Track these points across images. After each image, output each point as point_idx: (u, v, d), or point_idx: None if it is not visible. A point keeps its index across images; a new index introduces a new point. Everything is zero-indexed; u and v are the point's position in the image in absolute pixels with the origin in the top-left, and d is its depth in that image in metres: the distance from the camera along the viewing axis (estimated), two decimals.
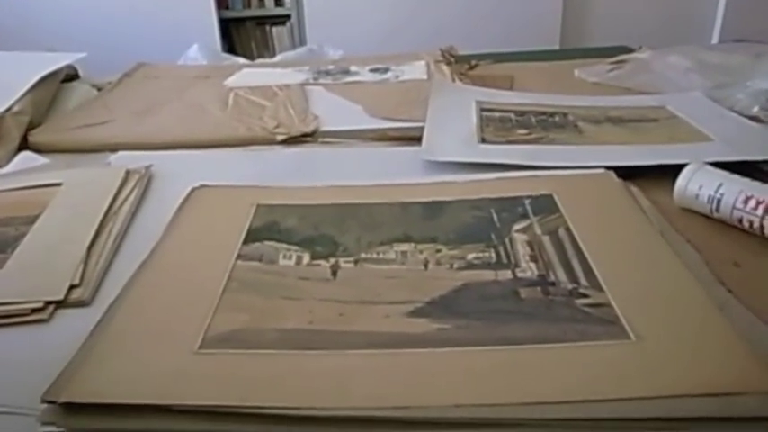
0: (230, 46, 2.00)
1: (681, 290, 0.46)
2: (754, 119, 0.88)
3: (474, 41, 1.37)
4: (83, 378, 0.39)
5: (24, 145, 0.90)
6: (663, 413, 0.35)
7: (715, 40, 2.05)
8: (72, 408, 0.37)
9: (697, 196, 0.65)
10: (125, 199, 0.71)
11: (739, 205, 0.61)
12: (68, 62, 1.17)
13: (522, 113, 0.93)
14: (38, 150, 0.89)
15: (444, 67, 1.20)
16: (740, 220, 0.62)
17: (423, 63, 1.24)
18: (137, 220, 0.68)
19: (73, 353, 0.42)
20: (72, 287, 0.54)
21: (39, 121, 0.98)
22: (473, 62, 1.28)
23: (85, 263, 0.58)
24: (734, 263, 0.58)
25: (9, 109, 0.92)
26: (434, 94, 0.98)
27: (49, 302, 0.52)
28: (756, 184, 0.63)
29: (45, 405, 0.38)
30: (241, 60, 1.42)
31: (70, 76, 1.21)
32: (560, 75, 1.20)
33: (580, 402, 0.36)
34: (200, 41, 1.51)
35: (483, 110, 0.94)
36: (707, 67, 1.12)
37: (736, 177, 0.64)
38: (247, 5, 2.12)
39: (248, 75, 1.24)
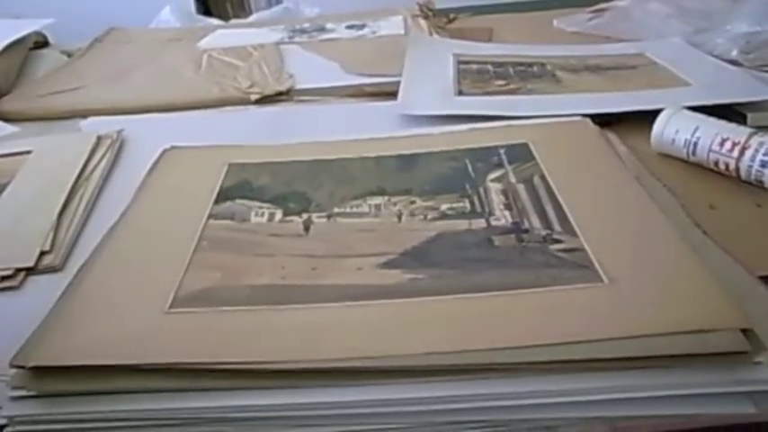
0: (205, 8, 1.95)
1: (654, 233, 0.46)
2: (733, 62, 0.88)
3: None
4: (51, 342, 0.38)
5: None
6: (636, 352, 0.35)
7: None
8: (41, 371, 0.37)
9: (674, 141, 0.65)
10: (96, 164, 0.69)
11: (715, 147, 0.61)
12: (35, 28, 1.14)
13: (499, 65, 0.92)
14: (6, 119, 0.87)
15: (422, 21, 1.18)
16: (716, 163, 0.61)
17: (400, 18, 1.21)
18: (108, 185, 0.67)
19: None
20: (43, 253, 0.53)
21: (7, 89, 0.96)
22: (451, 15, 1.26)
23: (56, 229, 0.57)
24: (709, 205, 0.58)
25: None
26: (411, 48, 0.96)
27: (19, 269, 0.51)
28: (733, 125, 0.62)
29: (14, 370, 0.37)
30: (215, 22, 1.38)
31: (40, 43, 1.18)
32: (539, 25, 1.18)
33: (553, 345, 0.36)
34: (173, 4, 1.47)
35: (460, 62, 0.92)
36: (687, 12, 1.10)
37: (713, 120, 0.63)
38: None
39: (222, 36, 1.21)
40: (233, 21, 1.43)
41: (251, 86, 0.90)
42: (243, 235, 0.49)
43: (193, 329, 0.39)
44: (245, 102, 0.87)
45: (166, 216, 0.52)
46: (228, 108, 0.86)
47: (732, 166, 0.60)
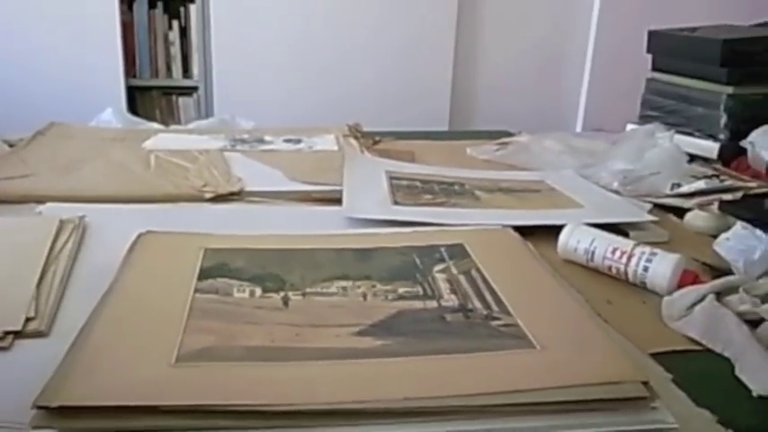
0: (135, 112, 2.03)
1: (571, 313, 0.57)
2: (614, 192, 1.06)
3: (373, 121, 1.51)
4: (72, 386, 0.43)
5: None
6: (563, 398, 0.45)
7: (578, 127, 2.36)
8: (64, 411, 0.41)
9: (576, 249, 0.79)
10: (63, 244, 0.74)
11: (608, 255, 0.76)
12: None
13: (426, 182, 1.06)
14: None
15: (353, 141, 1.32)
16: (609, 268, 0.76)
17: (332, 136, 1.35)
18: (77, 264, 0.72)
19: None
20: (28, 319, 0.57)
21: None
22: (377, 138, 1.41)
23: (37, 299, 0.61)
24: (607, 301, 0.72)
25: None
26: (348, 163, 1.08)
27: (7, 332, 0.55)
28: (620, 238, 0.77)
29: (35, 411, 0.42)
30: (155, 125, 1.46)
31: None
32: (455, 152, 1.35)
33: (499, 393, 0.45)
34: (107, 106, 1.54)
35: (392, 178, 1.05)
36: (575, 150, 1.31)
37: (605, 234, 0.78)
38: (155, 75, 2.17)
39: (165, 139, 1.29)
40: (173, 126, 1.52)
41: (204, 185, 0.98)
42: (229, 307, 0.56)
43: (200, 378, 0.45)
44: (198, 199, 0.95)
45: (154, 289, 0.58)
46: (183, 204, 0.93)
47: (622, 271, 0.75)
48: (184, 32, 2.14)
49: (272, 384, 0.45)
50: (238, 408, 0.42)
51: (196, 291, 0.58)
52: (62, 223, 0.79)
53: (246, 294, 0.58)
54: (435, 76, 2.29)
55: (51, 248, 0.72)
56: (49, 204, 0.88)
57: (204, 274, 0.61)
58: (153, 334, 0.50)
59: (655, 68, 1.39)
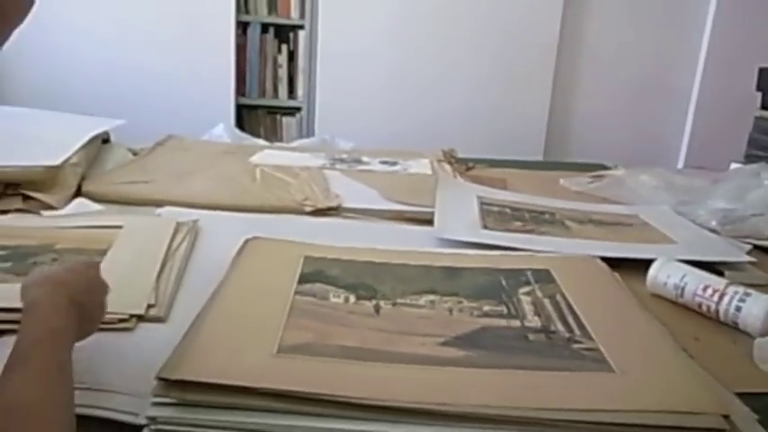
0: (241, 129, 2.16)
1: (655, 340, 0.58)
2: (712, 230, 1.04)
3: (468, 146, 1.54)
4: (189, 364, 0.49)
5: (78, 193, 1.01)
6: (641, 421, 0.46)
7: (680, 165, 2.29)
8: (181, 384, 0.47)
9: (665, 284, 0.78)
10: (179, 244, 0.82)
11: (699, 292, 0.75)
12: (112, 126, 1.30)
13: (516, 209, 1.08)
14: (89, 198, 1.00)
15: (447, 166, 1.35)
16: (699, 305, 0.75)
17: (427, 160, 1.39)
18: (191, 262, 0.79)
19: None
20: (149, 306, 0.64)
21: (87, 174, 1.10)
22: (470, 164, 1.44)
23: (156, 289, 0.68)
24: (695, 338, 0.71)
25: (67, 160, 1.03)
26: (441, 186, 1.12)
27: (132, 315, 0.62)
28: (713, 276, 0.76)
29: (156, 382, 0.48)
30: (261, 142, 1.56)
31: (103, 139, 1.34)
32: (547, 182, 1.36)
33: (577, 411, 0.47)
34: (219, 122, 1.66)
35: (483, 203, 1.08)
36: (672, 186, 1.29)
37: (697, 270, 0.78)
38: (262, 95, 2.31)
39: (270, 155, 1.38)
40: (278, 144, 1.61)
41: (305, 199, 1.04)
42: (325, 309, 0.61)
43: (298, 369, 0.50)
44: (299, 211, 1.01)
45: (260, 288, 0.64)
46: (286, 215, 1.00)
47: (713, 309, 0.74)
48: (292, 56, 2.27)
49: (360, 381, 0.49)
50: (328, 397, 0.46)
51: (296, 293, 0.63)
52: (178, 225, 0.87)
53: (341, 300, 0.63)
54: (533, 105, 2.30)
55: (169, 246, 0.80)
56: (166, 208, 0.97)
57: (304, 279, 0.66)
58: (258, 327, 0.56)
59: (764, 107, 1.35)
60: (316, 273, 0.68)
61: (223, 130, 1.56)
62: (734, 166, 1.33)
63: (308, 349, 0.53)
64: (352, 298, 0.64)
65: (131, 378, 0.52)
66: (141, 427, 0.47)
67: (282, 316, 0.58)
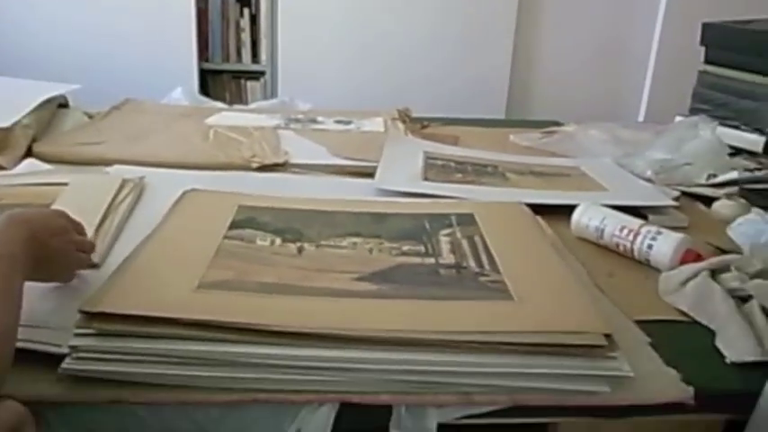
0: (206, 94, 2.16)
1: (555, 274, 0.62)
2: (647, 179, 1.08)
3: (431, 106, 1.56)
4: (109, 299, 0.52)
5: (29, 153, 1.03)
6: (528, 340, 0.51)
7: (641, 119, 2.34)
8: (101, 316, 0.50)
9: (587, 226, 0.83)
10: (123, 198, 0.84)
11: (617, 233, 0.79)
12: (66, 90, 1.31)
13: (461, 163, 1.11)
14: (41, 159, 1.02)
15: (400, 124, 1.38)
16: (617, 245, 0.79)
17: (381, 119, 1.41)
18: (133, 215, 0.82)
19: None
20: None
21: (40, 137, 1.12)
22: (425, 123, 1.47)
23: (94, 239, 0.71)
24: (609, 274, 0.75)
25: (18, 122, 1.05)
26: (389, 143, 1.15)
27: None
28: (630, 217, 0.81)
29: (80, 315, 0.51)
30: (219, 104, 1.57)
31: (61, 103, 1.35)
32: (498, 138, 1.39)
33: (476, 332, 0.51)
34: (184, 86, 1.66)
35: (429, 158, 1.11)
36: (619, 140, 1.33)
37: (616, 213, 0.82)
38: (226, 59, 2.31)
39: (226, 116, 1.39)
40: (236, 106, 1.63)
41: (253, 156, 1.07)
42: (251, 251, 0.64)
43: (214, 301, 0.54)
44: (246, 168, 1.04)
45: (190, 234, 0.67)
46: (233, 172, 1.02)
47: (628, 248, 0.78)
48: (254, 20, 2.26)
49: (273, 311, 0.53)
50: (243, 326, 0.50)
51: (225, 237, 0.67)
52: (124, 182, 0.89)
53: (267, 243, 0.66)
54: (494, 64, 2.32)
55: (112, 201, 0.82)
56: (115, 167, 0.99)
57: (235, 225, 0.70)
58: (182, 267, 0.59)
59: (707, 61, 1.38)
60: (247, 220, 0.72)
61: (181, 93, 1.56)
62: (678, 119, 1.37)
63: (227, 285, 0.57)
64: (278, 241, 0.67)
65: (63, 317, 0.55)
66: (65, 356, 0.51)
67: (208, 257, 0.61)
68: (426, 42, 2.27)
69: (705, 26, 1.37)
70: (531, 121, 1.71)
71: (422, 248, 0.67)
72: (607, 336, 0.52)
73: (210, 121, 1.32)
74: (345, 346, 0.50)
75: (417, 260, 0.65)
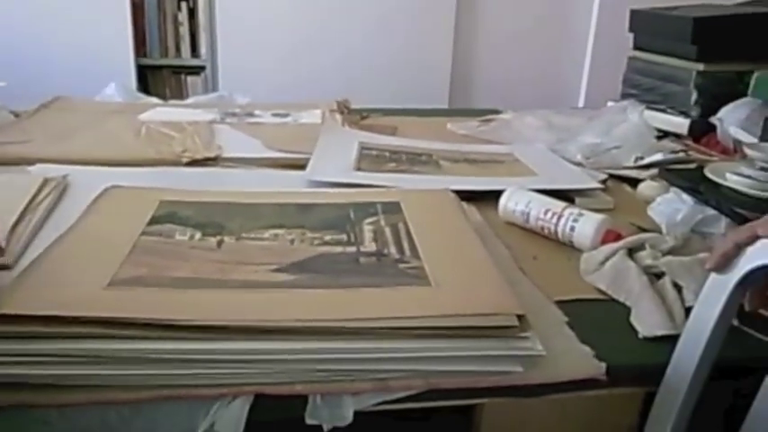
0: (146, 90, 2.12)
1: (475, 260, 0.63)
2: (577, 164, 1.10)
3: (373, 98, 1.56)
4: (14, 299, 0.50)
5: None
6: (440, 324, 0.51)
7: (581, 105, 2.39)
8: (4, 318, 0.49)
9: (514, 211, 0.84)
10: (43, 198, 0.82)
11: (541, 216, 0.81)
12: None
13: (395, 152, 1.11)
14: None
15: (337, 115, 1.38)
16: (542, 228, 0.81)
17: (319, 111, 1.41)
18: (54, 214, 0.80)
19: None
20: None
21: None
22: (364, 114, 1.47)
23: (9, 240, 0.69)
24: (533, 257, 0.77)
25: None
26: (323, 134, 1.15)
27: None
28: (554, 200, 0.82)
29: None
30: (154, 100, 1.54)
31: None
32: (436, 127, 1.40)
33: (390, 318, 0.51)
34: (118, 81, 1.62)
35: (364, 148, 1.11)
36: (553, 126, 1.35)
37: (541, 196, 0.83)
38: (164, 54, 2.26)
39: (161, 112, 1.36)
40: (171, 101, 1.59)
41: (183, 151, 1.05)
42: (168, 246, 0.63)
43: (125, 299, 0.52)
44: (177, 163, 1.02)
45: (107, 231, 0.66)
46: (162, 167, 1.01)
47: (552, 230, 0.80)
48: (193, 13, 2.23)
49: (189, 305, 0.52)
50: (151, 321, 0.49)
51: (143, 234, 0.65)
52: (45, 181, 0.87)
53: (186, 237, 0.65)
54: (436, 54, 2.33)
55: (31, 201, 0.80)
56: (38, 165, 0.96)
57: (154, 221, 0.68)
58: (94, 265, 0.58)
59: (636, 47, 1.42)
60: (168, 215, 0.70)
61: (115, 89, 1.52)
62: (609, 104, 1.40)
63: (139, 282, 0.55)
64: (198, 235, 0.66)
65: None
66: None
67: (123, 254, 0.60)
68: (368, 34, 2.27)
69: (633, 13, 1.41)
70: (471, 110, 1.73)
71: (344, 237, 0.67)
72: (520, 317, 0.53)
73: (144, 117, 1.30)
74: (257, 337, 0.50)
75: (339, 249, 0.64)
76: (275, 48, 2.24)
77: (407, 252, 0.64)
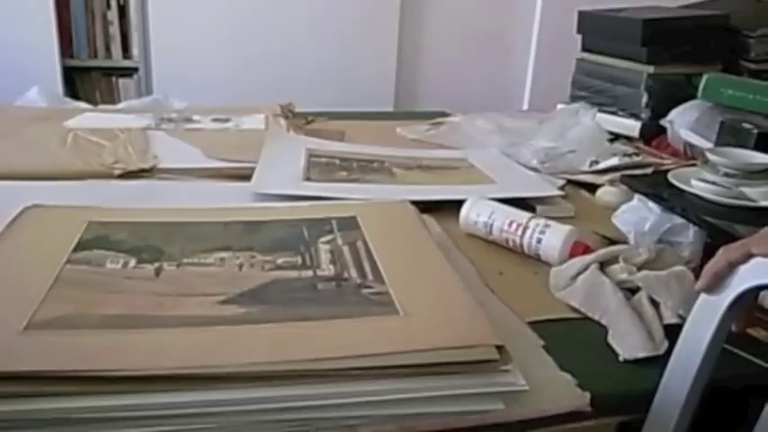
0: (74, 94, 1.98)
1: (442, 282, 0.58)
2: (533, 169, 1.07)
3: (317, 101, 1.49)
4: None
5: None
6: (417, 361, 0.46)
7: (525, 107, 2.38)
8: None
9: (476, 222, 0.79)
10: None
11: (506, 228, 0.76)
12: None
13: (345, 160, 1.05)
14: None
15: (281, 120, 1.30)
16: (506, 240, 0.77)
17: (262, 116, 1.33)
18: None
19: None
20: None
21: None
22: (309, 118, 1.40)
23: None
24: (499, 272, 0.72)
25: None
26: (268, 141, 1.08)
27: None
28: (518, 211, 0.78)
29: None
30: (83, 105, 1.43)
31: None
32: (385, 131, 1.35)
33: (355, 357, 0.45)
34: (41, 85, 1.50)
35: (312, 156, 1.05)
36: (505, 129, 1.32)
37: (505, 207, 0.79)
38: (93, 56, 2.12)
39: (90, 118, 1.26)
40: (102, 106, 1.48)
41: (115, 162, 0.96)
42: (98, 277, 0.55)
43: (46, 346, 0.45)
44: (108, 176, 0.93)
45: (24, 260, 0.57)
46: (91, 180, 0.91)
47: (518, 243, 0.75)
48: (123, 12, 2.10)
49: (121, 350, 0.45)
50: (75, 374, 0.42)
51: (68, 262, 0.57)
52: None
53: (119, 265, 0.58)
54: (380, 57, 2.28)
55: None
56: None
57: (81, 246, 0.60)
58: (8, 303, 0.50)
59: (584, 49, 1.40)
60: (97, 239, 0.62)
61: (38, 93, 1.41)
62: (559, 106, 1.39)
63: (64, 322, 0.48)
64: (133, 262, 0.58)
65: None
66: None
67: (44, 289, 0.52)
68: (310, 35, 2.20)
69: (581, 14, 1.40)
70: (419, 113, 1.69)
71: (298, 260, 0.61)
72: (499, 347, 0.48)
73: (71, 123, 1.19)
74: (205, 387, 0.43)
75: (293, 274, 0.58)
76: (213, 49, 2.14)
77: (369, 275, 0.58)
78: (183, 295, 0.53)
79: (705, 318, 0.48)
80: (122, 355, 0.44)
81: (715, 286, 0.47)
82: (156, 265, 0.58)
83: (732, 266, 0.47)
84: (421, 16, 2.37)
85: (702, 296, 0.49)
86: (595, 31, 1.37)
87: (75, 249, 0.60)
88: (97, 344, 0.45)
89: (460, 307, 0.54)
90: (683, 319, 0.60)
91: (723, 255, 0.47)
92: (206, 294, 0.53)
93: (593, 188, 1.01)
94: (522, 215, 0.77)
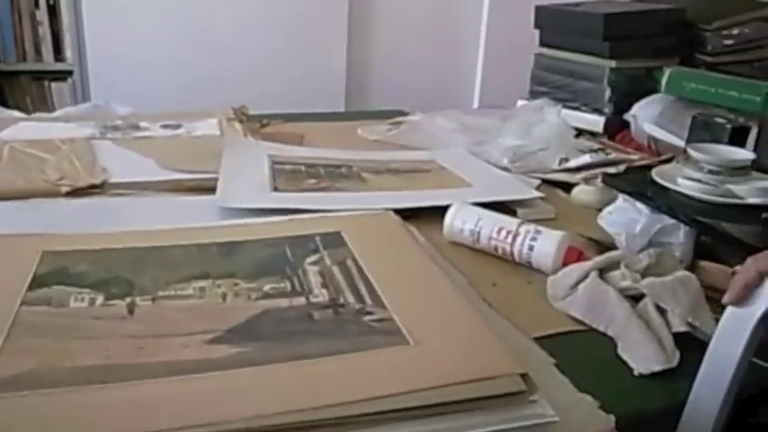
0: (2, 101, 1.84)
1: (449, 303, 0.54)
2: (504, 169, 1.04)
3: (265, 103, 1.43)
4: None
5: None
6: (437, 399, 0.41)
7: (475, 105, 2.37)
8: None
9: (462, 230, 0.76)
10: None
11: (494, 235, 0.73)
12: None
13: (311, 166, 1.00)
14: None
15: (237, 125, 1.23)
16: (496, 249, 0.73)
17: (215, 120, 1.26)
18: None
19: None
20: None
21: None
22: (264, 121, 1.33)
23: None
24: (492, 283, 0.69)
25: None
26: (228, 149, 1.01)
27: None
28: (506, 217, 0.75)
29: None
30: (16, 114, 1.32)
31: None
32: (345, 133, 1.30)
33: (368, 400, 0.41)
34: None
35: (275, 163, 0.99)
36: (467, 127, 1.29)
37: (492, 213, 0.76)
38: (22, 59, 1.98)
39: (25, 128, 1.16)
40: (36, 114, 1.37)
41: (61, 179, 0.87)
42: (62, 320, 0.49)
43: (11, 412, 0.38)
44: (54, 194, 0.85)
45: None
46: (35, 200, 0.83)
47: (508, 251, 0.72)
48: (54, 11, 1.96)
49: (99, 413, 0.39)
50: None
51: (23, 303, 0.50)
52: None
53: (85, 303, 0.51)
54: (329, 55, 2.23)
55: None
56: None
57: (37, 283, 0.53)
58: None
59: (542, 44, 1.39)
60: (55, 272, 0.55)
61: None
62: (520, 102, 1.37)
63: (28, 381, 0.41)
64: (100, 299, 0.52)
65: None
66: None
67: None
68: (256, 34, 2.12)
69: (538, 9, 1.38)
70: (375, 112, 1.64)
71: (287, 285, 0.55)
72: (523, 375, 0.44)
73: (4, 135, 1.09)
74: None
75: (284, 303, 0.53)
76: (153, 48, 2.02)
77: (367, 299, 0.54)
78: (163, 336, 0.47)
79: (735, 332, 0.46)
80: (104, 419, 0.38)
81: (745, 299, 0.45)
82: (128, 300, 0.52)
83: (763, 277, 0.44)
84: (369, 13, 2.32)
85: (730, 308, 0.46)
86: (554, 25, 1.35)
87: (31, 287, 0.52)
88: (72, 405, 0.39)
89: (472, 330, 0.50)
90: (692, 326, 0.58)
91: (752, 265, 0.45)
92: (190, 333, 0.47)
93: (566, 187, 0.99)
94: (511, 221, 0.73)
